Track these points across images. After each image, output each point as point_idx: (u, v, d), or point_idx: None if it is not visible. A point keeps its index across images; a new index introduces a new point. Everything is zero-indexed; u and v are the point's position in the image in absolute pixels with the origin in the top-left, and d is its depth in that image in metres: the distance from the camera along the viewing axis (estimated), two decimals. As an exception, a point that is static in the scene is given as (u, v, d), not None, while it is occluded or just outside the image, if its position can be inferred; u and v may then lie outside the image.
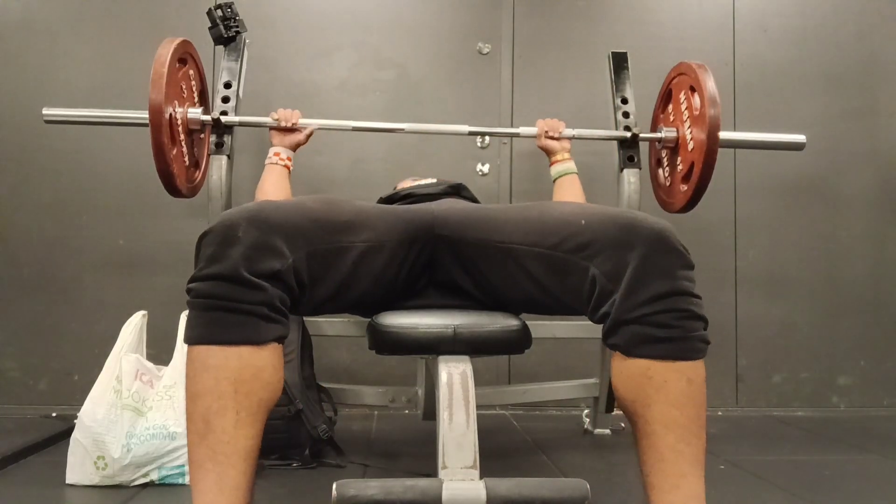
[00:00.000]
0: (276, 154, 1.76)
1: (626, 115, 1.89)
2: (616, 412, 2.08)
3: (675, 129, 1.78)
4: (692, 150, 1.69)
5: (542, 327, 1.95)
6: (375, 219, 1.06)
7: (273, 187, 1.71)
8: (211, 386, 0.83)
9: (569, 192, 1.79)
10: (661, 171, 1.92)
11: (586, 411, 2.17)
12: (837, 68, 2.54)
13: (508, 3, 2.48)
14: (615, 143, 1.89)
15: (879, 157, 2.56)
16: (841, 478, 1.61)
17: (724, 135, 1.66)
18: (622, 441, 2.01)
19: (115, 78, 2.31)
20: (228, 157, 1.75)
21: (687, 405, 0.88)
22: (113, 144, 2.32)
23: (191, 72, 1.70)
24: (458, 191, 1.56)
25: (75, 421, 1.48)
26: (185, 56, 1.64)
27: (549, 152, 1.86)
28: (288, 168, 1.76)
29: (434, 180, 1.62)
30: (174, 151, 1.57)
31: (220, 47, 1.86)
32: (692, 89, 1.70)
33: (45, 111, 1.71)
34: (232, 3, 1.83)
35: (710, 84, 1.62)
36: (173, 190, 1.60)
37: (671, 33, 2.49)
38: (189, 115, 1.66)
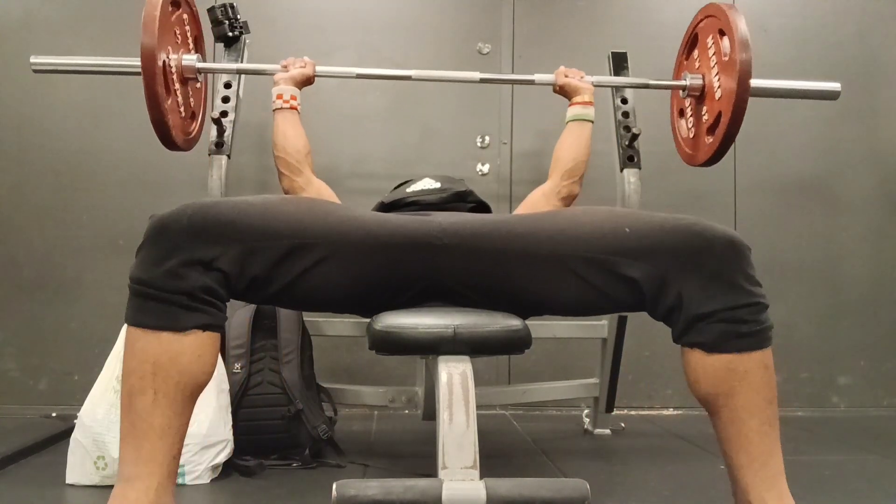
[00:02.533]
0: (280, 96, 1.68)
1: (625, 115, 1.89)
2: (616, 412, 2.09)
3: (701, 76, 1.69)
4: (720, 98, 1.59)
5: (542, 327, 1.95)
6: (348, 225, 1.05)
7: (287, 135, 1.65)
8: (134, 366, 0.91)
9: (576, 140, 1.72)
10: (683, 121, 1.83)
11: (586, 411, 2.17)
12: (837, 68, 2.54)
13: (508, 3, 2.48)
14: (615, 142, 1.89)
15: (879, 157, 2.56)
16: (841, 478, 1.61)
17: (755, 82, 1.55)
18: (622, 441, 2.01)
19: (115, 78, 2.30)
20: (228, 157, 1.74)
21: (765, 389, 0.96)
22: (113, 144, 2.32)
23: (184, 16, 1.62)
24: (463, 197, 1.54)
25: (75, 421, 1.48)
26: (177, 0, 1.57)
27: (570, 93, 1.76)
28: (296, 109, 1.69)
29: (438, 185, 1.57)
30: (169, 101, 1.51)
31: (220, 49, 1.86)
32: (721, 33, 1.59)
33: (33, 59, 1.62)
34: (233, 3, 1.83)
35: (741, 26, 1.52)
36: (169, 142, 1.54)
37: (671, 33, 2.48)
38: (184, 62, 1.59)
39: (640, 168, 1.86)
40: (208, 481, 1.49)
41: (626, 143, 1.85)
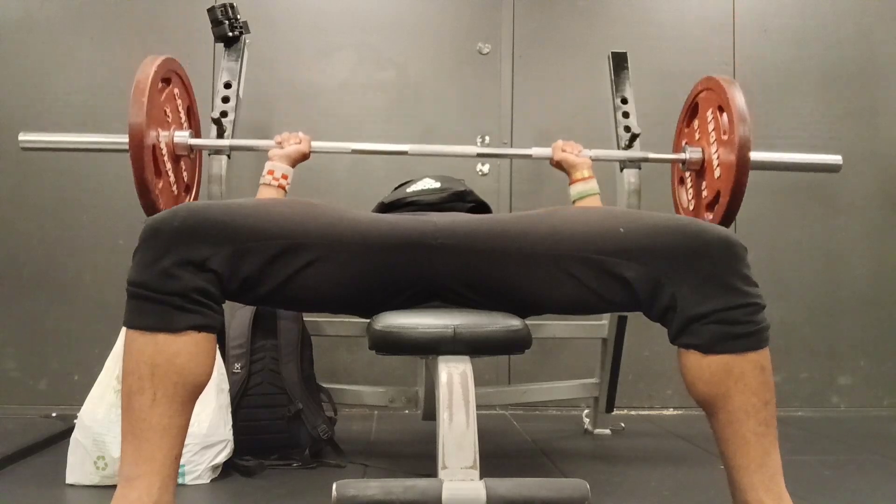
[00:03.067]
0: (271, 172, 1.62)
1: (625, 115, 1.88)
2: (616, 412, 2.09)
3: (700, 150, 1.68)
4: (719, 177, 1.60)
5: (542, 327, 1.95)
6: (341, 226, 1.05)
7: None
8: (133, 367, 0.92)
9: None
10: (683, 191, 1.82)
11: (586, 411, 2.17)
12: (837, 68, 2.54)
13: (508, 3, 2.48)
14: (615, 142, 1.89)
15: (879, 157, 2.56)
16: (841, 478, 1.61)
17: (754, 156, 1.54)
18: (622, 441, 2.01)
19: (116, 78, 2.31)
20: (228, 157, 1.74)
21: (762, 390, 0.95)
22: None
23: (176, 90, 1.60)
24: (462, 197, 1.54)
25: (75, 421, 1.48)
26: (168, 75, 1.55)
27: (568, 169, 1.72)
28: (283, 189, 1.63)
29: (438, 185, 1.56)
30: (160, 185, 1.49)
31: (220, 49, 1.86)
32: (720, 109, 1.59)
33: (22, 137, 1.61)
34: (233, 3, 1.83)
35: (739, 102, 1.50)
36: None
37: (671, 33, 2.49)
38: (175, 140, 1.57)
39: (640, 168, 1.86)
40: (208, 481, 1.49)
41: (626, 143, 1.85)
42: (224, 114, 1.74)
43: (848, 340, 2.52)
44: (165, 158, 1.54)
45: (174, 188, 1.60)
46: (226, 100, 1.77)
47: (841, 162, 1.75)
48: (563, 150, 1.72)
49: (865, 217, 2.55)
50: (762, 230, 2.50)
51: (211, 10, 1.82)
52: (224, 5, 1.82)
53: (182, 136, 1.59)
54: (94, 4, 2.36)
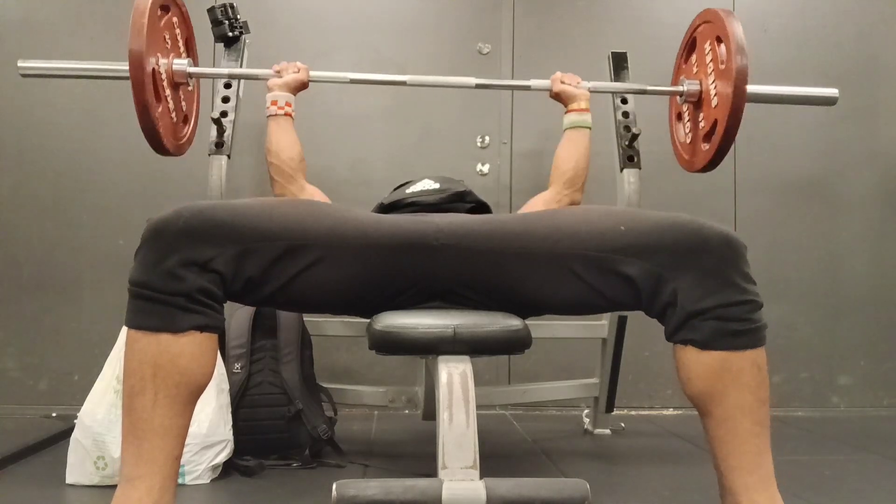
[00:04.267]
0: (274, 102, 1.66)
1: (625, 114, 1.88)
2: (616, 412, 2.09)
3: (698, 82, 1.67)
4: (716, 106, 1.59)
5: (542, 327, 1.95)
6: (344, 226, 1.05)
7: (281, 142, 1.64)
8: (134, 367, 0.92)
9: (575, 147, 1.71)
10: (681, 126, 1.82)
11: (586, 411, 2.17)
12: (837, 68, 2.54)
13: (508, 3, 2.48)
14: (615, 142, 1.89)
15: (879, 157, 2.56)
16: (841, 478, 1.61)
17: (751, 88, 1.53)
18: (622, 441, 2.01)
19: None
20: (228, 157, 1.74)
21: (758, 389, 0.95)
22: (113, 144, 2.32)
23: (174, 18, 1.59)
24: (462, 198, 1.53)
25: (75, 421, 1.48)
26: (167, 2, 1.54)
27: (566, 100, 1.74)
28: (290, 115, 1.66)
29: (438, 185, 1.57)
30: (159, 109, 1.49)
31: (220, 49, 1.86)
32: (718, 40, 1.58)
33: (21, 63, 1.58)
34: (233, 3, 1.83)
35: (737, 32, 1.50)
36: (160, 148, 1.51)
37: (671, 33, 2.47)
38: (174, 67, 1.56)
39: (640, 168, 1.86)
40: (208, 481, 1.49)
41: (626, 143, 1.85)
42: (224, 114, 1.74)
43: (848, 340, 2.52)
44: (165, 85, 1.53)
45: (173, 115, 1.59)
46: (226, 100, 1.77)
47: (837, 94, 1.73)
48: (563, 82, 1.74)
49: (865, 217, 2.55)
50: (762, 230, 2.50)
51: (211, 10, 1.82)
52: (224, 5, 1.82)
53: (181, 64, 1.58)
54: (94, 4, 2.36)
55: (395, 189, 1.66)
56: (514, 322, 1.06)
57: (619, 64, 1.95)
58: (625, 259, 1.00)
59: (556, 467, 1.70)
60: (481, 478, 0.88)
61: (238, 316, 1.75)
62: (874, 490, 1.52)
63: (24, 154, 2.32)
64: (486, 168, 2.44)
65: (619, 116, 1.88)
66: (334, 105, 2.40)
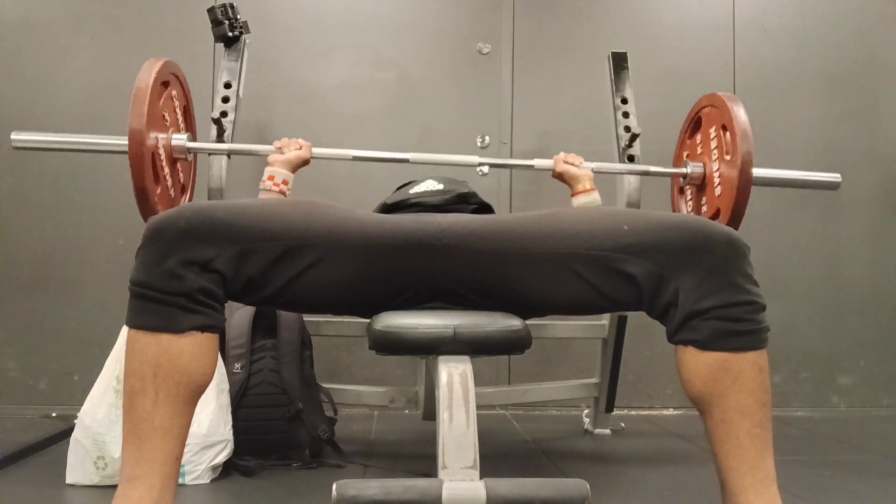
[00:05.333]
0: (271, 178, 1.63)
1: (625, 115, 1.88)
2: (616, 412, 2.09)
3: (701, 165, 1.69)
4: (720, 195, 1.60)
5: (542, 327, 1.95)
6: (345, 226, 1.05)
7: None
8: (135, 367, 0.92)
9: None
10: (683, 202, 1.84)
11: (586, 411, 2.17)
12: (837, 68, 2.54)
13: (508, 4, 2.48)
14: (615, 142, 1.89)
15: (879, 157, 2.56)
16: (841, 478, 1.61)
17: (756, 172, 1.54)
18: (622, 441, 2.01)
19: (116, 78, 2.31)
20: (228, 157, 1.74)
21: (758, 391, 0.94)
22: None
23: (174, 92, 1.60)
24: (466, 199, 1.53)
25: (75, 421, 1.48)
26: (167, 78, 1.54)
27: (570, 181, 1.74)
28: (284, 195, 1.62)
29: (441, 186, 1.56)
30: (158, 191, 1.49)
31: (220, 49, 1.86)
32: (724, 128, 1.59)
33: (14, 136, 1.54)
34: (233, 3, 1.83)
35: (741, 119, 1.51)
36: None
37: (671, 33, 2.50)
38: (173, 143, 1.57)
39: (640, 169, 1.86)
40: (208, 481, 1.49)
41: (626, 143, 1.85)
42: (224, 114, 1.74)
43: (848, 340, 2.52)
44: (164, 163, 1.53)
45: (171, 191, 1.60)
46: (226, 100, 1.77)
47: (840, 180, 1.75)
48: (566, 162, 1.74)
49: (865, 217, 2.55)
50: (762, 230, 2.49)
51: (211, 10, 1.82)
52: (224, 5, 1.82)
53: (180, 140, 1.59)
54: (94, 4, 2.36)
55: (398, 189, 1.65)
56: (514, 322, 1.05)
57: (619, 64, 1.95)
58: (627, 258, 0.99)
59: (556, 467, 1.70)
60: (481, 478, 0.88)
61: (238, 316, 1.75)
62: (874, 490, 1.52)
63: (24, 154, 2.31)
64: (486, 168, 2.44)
65: (619, 116, 1.88)
66: (335, 104, 2.40)
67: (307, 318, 1.86)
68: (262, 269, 0.97)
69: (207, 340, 0.94)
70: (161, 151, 1.52)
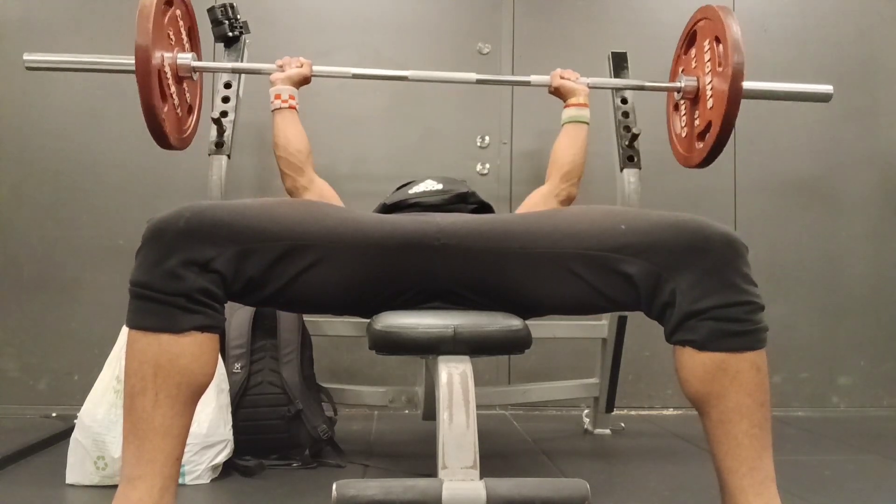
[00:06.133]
0: (278, 96, 1.69)
1: (625, 115, 1.89)
2: (616, 412, 2.09)
3: (695, 79, 1.69)
4: (711, 108, 1.60)
5: (542, 327, 1.95)
6: (344, 227, 1.05)
7: (287, 135, 1.66)
8: (135, 368, 0.92)
9: (573, 142, 1.73)
10: (677, 118, 1.83)
11: (586, 411, 2.17)
12: (837, 68, 2.54)
13: (508, 3, 2.48)
14: (615, 142, 1.89)
15: (879, 157, 2.56)
16: (841, 478, 1.61)
17: (746, 85, 1.54)
18: (622, 441, 2.01)
19: (115, 78, 2.31)
20: (228, 157, 1.74)
21: (757, 391, 0.94)
22: (113, 144, 2.32)
23: (178, 12, 1.59)
24: (465, 199, 1.54)
25: (75, 421, 1.48)
26: None
27: (566, 94, 1.77)
28: (294, 108, 1.69)
29: (441, 186, 1.57)
30: (165, 108, 1.51)
31: (220, 49, 1.86)
32: (717, 40, 1.59)
33: (27, 56, 1.61)
34: (233, 3, 1.83)
35: (734, 30, 1.51)
36: (164, 143, 1.53)
37: (671, 33, 2.47)
38: (179, 61, 1.57)
39: (640, 168, 1.86)
40: (208, 481, 1.49)
41: (626, 143, 1.86)
42: (224, 114, 1.74)
43: (848, 340, 2.52)
44: (170, 81, 1.54)
45: (178, 110, 1.61)
46: (226, 100, 1.77)
47: (832, 91, 1.75)
48: (562, 77, 1.77)
49: (865, 217, 2.55)
50: (762, 230, 2.50)
51: (211, 10, 1.82)
52: (224, 5, 1.82)
53: (185, 59, 1.59)
54: (94, 4, 2.36)
55: (398, 189, 1.66)
56: (514, 322, 1.06)
57: (619, 64, 1.95)
58: (625, 258, 0.99)
59: (556, 467, 1.70)
60: (481, 478, 0.88)
61: (238, 316, 1.75)
62: (874, 490, 1.52)
63: (24, 154, 2.32)
64: (486, 168, 2.44)
65: (619, 116, 1.88)
66: (335, 104, 2.40)
67: (307, 318, 1.86)
68: (262, 269, 0.98)
69: (207, 340, 0.94)
70: (167, 70, 1.53)
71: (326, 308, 1.13)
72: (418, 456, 1.82)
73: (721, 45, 1.57)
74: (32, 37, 2.33)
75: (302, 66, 1.72)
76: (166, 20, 1.53)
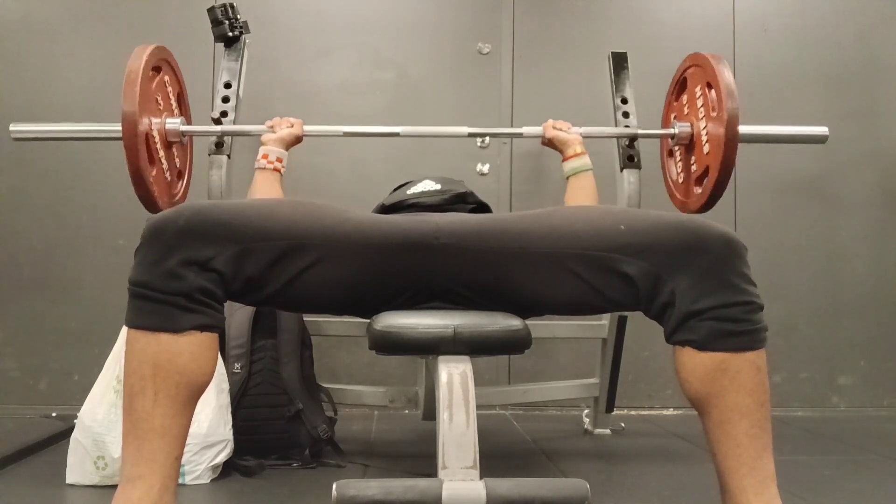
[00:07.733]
0: (265, 157, 1.66)
1: (626, 115, 1.88)
2: (616, 412, 2.09)
3: (689, 125, 1.69)
4: (707, 153, 1.60)
5: (542, 327, 1.95)
6: (344, 226, 1.05)
7: (263, 195, 1.62)
8: (135, 367, 0.92)
9: (583, 193, 1.71)
10: (672, 164, 1.83)
11: (586, 411, 2.17)
12: (837, 68, 2.54)
13: (508, 3, 2.48)
14: (615, 142, 1.89)
15: (879, 157, 2.56)
16: (841, 478, 1.61)
17: (742, 129, 1.55)
18: (622, 441, 2.01)
19: (116, 78, 2.30)
20: (228, 157, 1.74)
21: (757, 391, 0.94)
22: (113, 144, 2.31)
23: (166, 77, 1.61)
24: (463, 198, 1.53)
25: (75, 421, 1.48)
26: (159, 63, 1.55)
27: (560, 147, 1.77)
28: (279, 171, 1.66)
29: (439, 186, 1.56)
30: (153, 172, 1.50)
31: (220, 49, 1.86)
32: (709, 86, 1.59)
33: (13, 127, 1.59)
34: (233, 3, 1.83)
35: (726, 77, 1.52)
36: (154, 210, 1.52)
37: (671, 33, 2.49)
38: (167, 127, 1.57)
39: (640, 168, 1.86)
40: (208, 481, 1.49)
41: (626, 143, 1.86)
42: (224, 114, 1.74)
43: (848, 340, 2.52)
44: (158, 146, 1.54)
45: (167, 175, 1.60)
46: (226, 100, 1.77)
47: (827, 132, 1.75)
48: (554, 128, 1.76)
49: (865, 217, 2.55)
50: (762, 230, 2.50)
51: (211, 10, 1.82)
52: (224, 5, 1.82)
53: (174, 123, 1.59)
54: (94, 4, 2.36)
55: (396, 189, 1.65)
56: (514, 322, 1.06)
57: (619, 64, 1.94)
58: (624, 258, 0.99)
59: (556, 467, 1.70)
60: (481, 478, 0.88)
61: (238, 316, 1.75)
62: (874, 490, 1.52)
63: (24, 154, 2.32)
64: (486, 168, 2.44)
65: (619, 116, 1.88)
66: (335, 104, 2.40)
67: (307, 318, 1.86)
68: (261, 268, 0.98)
69: (207, 340, 0.94)
70: (155, 135, 1.52)
71: (326, 308, 1.13)
72: (418, 456, 1.82)
73: (713, 91, 1.58)
74: (32, 37, 2.33)
75: (293, 125, 1.70)
76: (154, 86, 1.53)
